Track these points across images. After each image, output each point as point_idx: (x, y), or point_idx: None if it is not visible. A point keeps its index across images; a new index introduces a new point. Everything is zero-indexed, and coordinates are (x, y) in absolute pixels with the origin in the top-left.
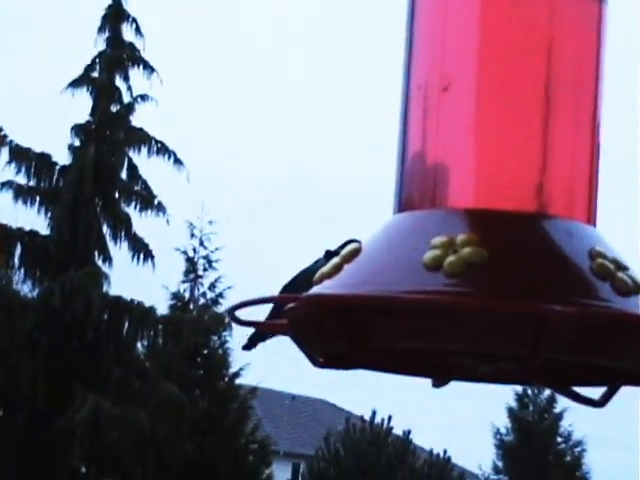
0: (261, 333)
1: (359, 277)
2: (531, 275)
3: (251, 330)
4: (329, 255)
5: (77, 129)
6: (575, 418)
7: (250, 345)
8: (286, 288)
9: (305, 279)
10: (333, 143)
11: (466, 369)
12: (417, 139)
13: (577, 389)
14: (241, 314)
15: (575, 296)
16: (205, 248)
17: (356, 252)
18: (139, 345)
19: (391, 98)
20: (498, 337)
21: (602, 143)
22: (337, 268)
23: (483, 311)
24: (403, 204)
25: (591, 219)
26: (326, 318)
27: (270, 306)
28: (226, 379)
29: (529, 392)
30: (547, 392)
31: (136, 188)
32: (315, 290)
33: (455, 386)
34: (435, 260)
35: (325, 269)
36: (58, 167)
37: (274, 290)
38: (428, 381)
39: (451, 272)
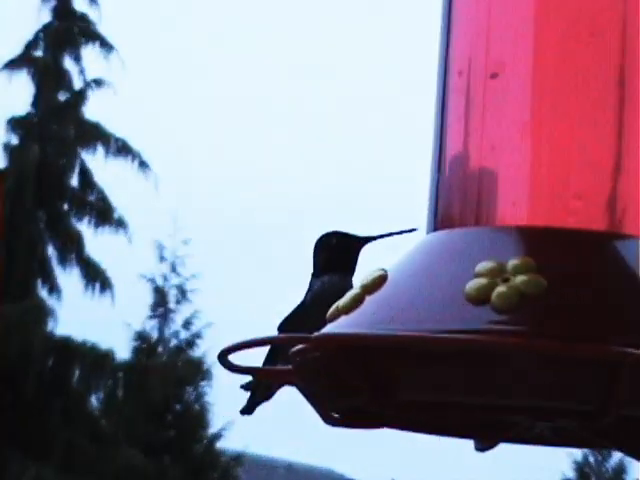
0: (263, 391)
1: (384, 312)
2: (601, 310)
3: (239, 381)
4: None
5: (14, 123)
6: None
7: (250, 407)
8: (284, 325)
9: (311, 314)
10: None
11: (518, 428)
12: (458, 138)
13: None
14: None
15: None
16: (178, 275)
17: (381, 280)
18: (93, 399)
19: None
20: (559, 388)
21: None
22: (357, 301)
23: (540, 355)
24: (439, 221)
25: None
26: (343, 364)
27: (266, 351)
28: (204, 442)
29: (591, 460)
30: (614, 460)
31: (90, 198)
32: (329, 328)
33: (500, 451)
34: (480, 291)
35: (342, 302)
36: None
37: (267, 329)
38: (466, 444)
39: (501, 306)
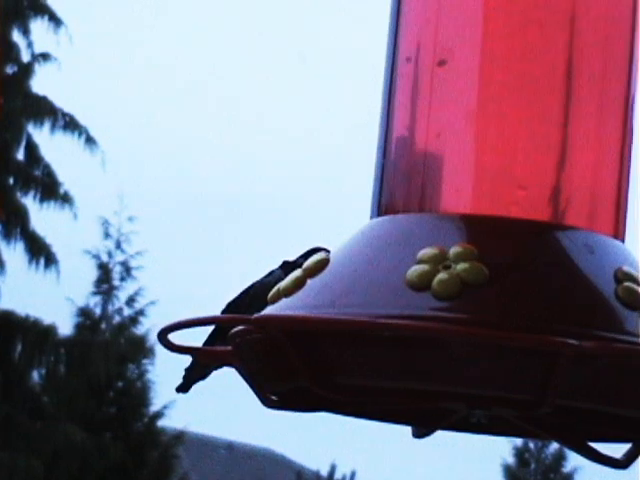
0: (200, 369)
1: (326, 296)
2: (541, 300)
3: (182, 359)
4: (287, 266)
5: None
6: None
7: (186, 385)
8: (231, 307)
9: (256, 296)
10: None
11: (456, 416)
12: (403, 124)
13: (594, 445)
14: (172, 339)
15: (595, 328)
16: (123, 252)
17: (323, 264)
18: (34, 375)
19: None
20: (497, 376)
21: (637, 138)
22: (299, 284)
23: (479, 343)
24: (383, 206)
25: (619, 232)
26: (283, 346)
27: (209, 330)
28: (145, 420)
29: (531, 446)
30: (554, 446)
31: (36, 173)
32: (270, 310)
33: (439, 437)
34: (422, 277)
35: (283, 284)
36: None
37: (213, 309)
38: (405, 429)
39: (441, 293)
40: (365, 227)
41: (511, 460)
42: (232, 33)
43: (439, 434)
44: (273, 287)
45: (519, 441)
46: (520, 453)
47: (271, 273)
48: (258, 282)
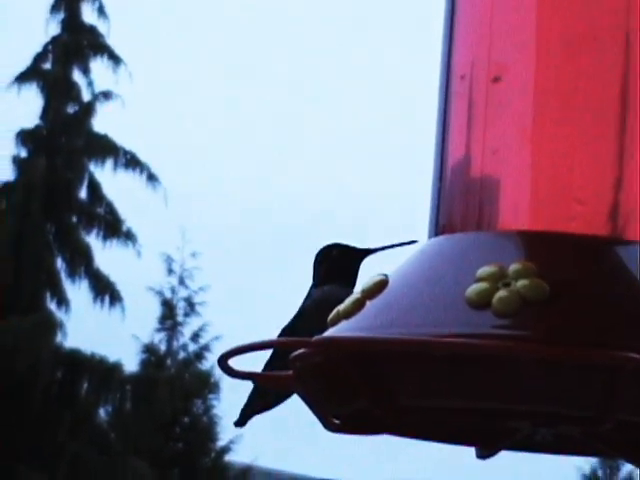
0: (257, 403)
1: (385, 316)
2: (603, 315)
3: (247, 394)
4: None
5: (23, 136)
6: None
7: (243, 419)
8: (286, 331)
9: (311, 322)
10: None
11: (519, 435)
12: (459, 142)
13: None
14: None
15: None
16: (186, 288)
17: (382, 285)
18: (101, 412)
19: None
20: (559, 393)
21: None
22: (358, 305)
23: (541, 360)
24: (441, 226)
25: None
26: (344, 368)
27: (267, 356)
28: (212, 455)
29: (599, 473)
30: (626, 470)
31: (99, 211)
32: (330, 332)
33: (509, 465)
34: (481, 295)
35: (343, 307)
36: None
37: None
38: (472, 455)
39: (502, 310)
40: (423, 246)
41: None
42: (290, 67)
43: (508, 460)
44: (325, 307)
45: (587, 468)
46: (589, 479)
47: (309, 296)
48: (308, 305)
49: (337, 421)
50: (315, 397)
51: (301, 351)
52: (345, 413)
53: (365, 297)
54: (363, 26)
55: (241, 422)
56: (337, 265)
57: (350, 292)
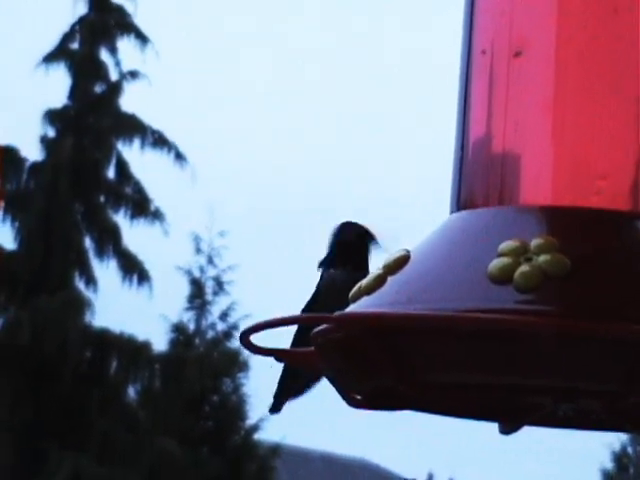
0: (289, 388)
1: (407, 292)
2: (624, 290)
3: (276, 373)
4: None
5: (51, 116)
6: None
7: (278, 405)
8: (310, 307)
9: (327, 303)
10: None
11: (542, 410)
12: (481, 118)
13: None
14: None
15: None
16: (215, 267)
17: (403, 261)
18: (130, 391)
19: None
20: (582, 368)
21: None
22: (380, 281)
23: (564, 335)
24: (462, 201)
25: None
26: (365, 344)
27: (292, 333)
28: (241, 433)
29: (629, 450)
30: None
31: (127, 190)
32: (351, 308)
33: (537, 443)
34: (503, 270)
35: (364, 283)
36: (27, 164)
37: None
38: (499, 436)
39: (524, 285)
40: (445, 222)
41: (609, 465)
42: (324, 55)
43: (536, 438)
44: (345, 285)
45: (617, 446)
46: (618, 458)
47: (322, 276)
48: (326, 282)
49: (359, 397)
50: (337, 373)
51: (322, 327)
52: (367, 389)
53: (387, 273)
54: (385, 2)
55: (276, 408)
56: (351, 248)
57: (360, 276)
